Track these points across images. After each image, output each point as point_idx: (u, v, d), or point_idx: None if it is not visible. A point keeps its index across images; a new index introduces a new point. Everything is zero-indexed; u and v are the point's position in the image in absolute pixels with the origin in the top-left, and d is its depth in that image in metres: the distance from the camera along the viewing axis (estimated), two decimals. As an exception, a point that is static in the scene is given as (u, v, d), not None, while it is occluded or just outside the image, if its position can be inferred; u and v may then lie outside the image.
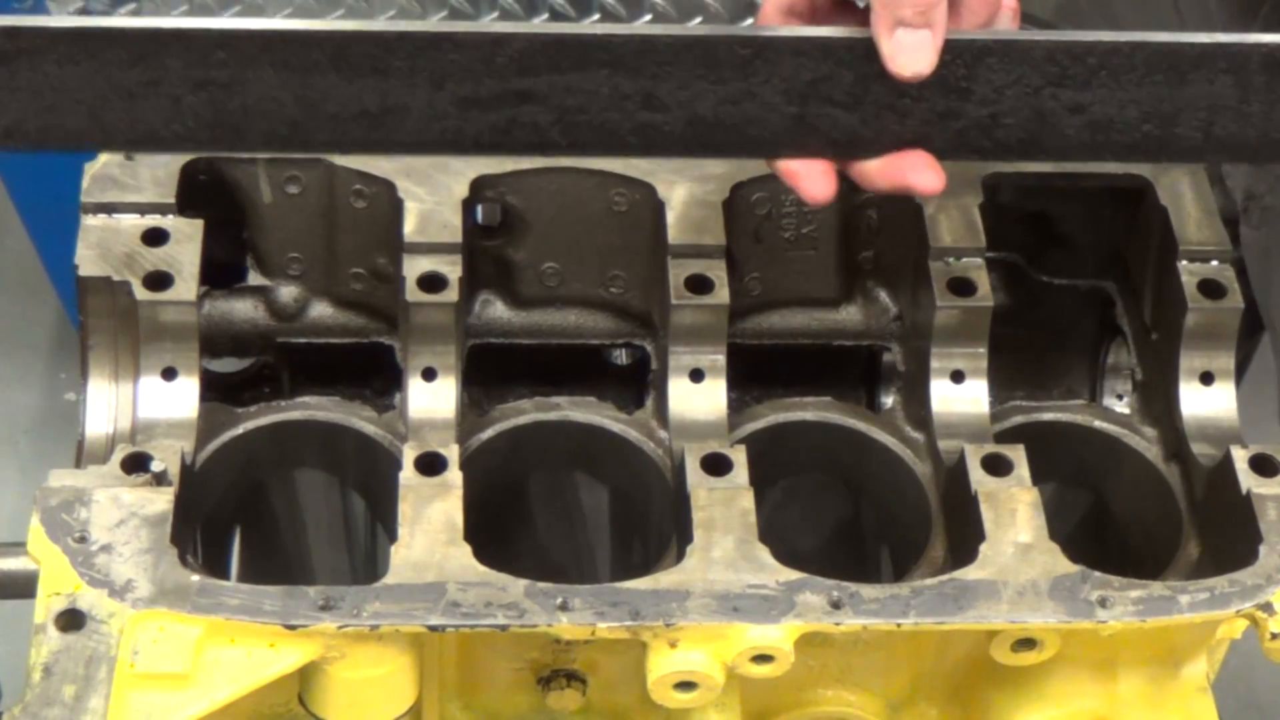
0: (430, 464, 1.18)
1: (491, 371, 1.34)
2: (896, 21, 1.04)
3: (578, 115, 1.07)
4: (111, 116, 1.05)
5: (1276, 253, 1.29)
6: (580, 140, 1.07)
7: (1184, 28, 1.66)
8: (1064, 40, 1.06)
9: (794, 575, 1.13)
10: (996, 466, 1.21)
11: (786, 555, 1.15)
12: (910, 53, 1.04)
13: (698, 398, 1.27)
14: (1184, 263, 1.29)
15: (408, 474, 1.18)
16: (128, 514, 1.13)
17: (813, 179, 1.09)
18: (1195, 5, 1.64)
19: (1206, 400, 1.28)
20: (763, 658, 1.11)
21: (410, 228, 1.27)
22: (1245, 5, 1.58)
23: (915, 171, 1.07)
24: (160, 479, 1.16)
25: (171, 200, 1.26)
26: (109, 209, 1.26)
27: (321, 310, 1.36)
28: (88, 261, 1.24)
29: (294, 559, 1.44)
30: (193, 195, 1.28)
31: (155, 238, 1.25)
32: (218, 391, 1.31)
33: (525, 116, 1.06)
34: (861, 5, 1.07)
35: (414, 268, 1.25)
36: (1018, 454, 1.21)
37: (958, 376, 1.29)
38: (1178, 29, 1.65)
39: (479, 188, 1.30)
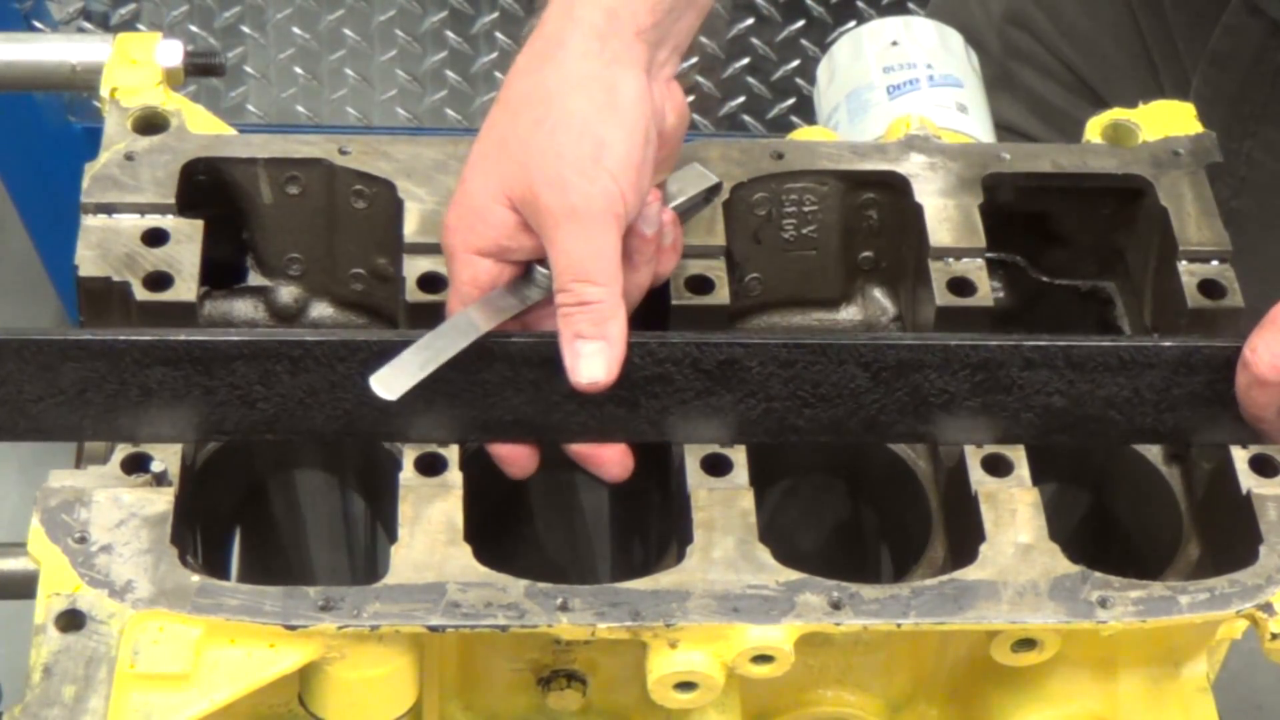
0: (430, 464, 1.18)
1: (491, 372, 1.34)
2: (575, 335, 1.13)
3: None
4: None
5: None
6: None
7: (1139, 32, 1.65)
8: (716, 341, 1.19)
9: (794, 575, 1.13)
10: (996, 466, 1.21)
11: (787, 555, 1.15)
12: (589, 362, 1.13)
13: (698, 398, 1.27)
14: (1184, 263, 1.29)
15: (408, 474, 1.18)
16: (128, 514, 1.13)
17: (518, 461, 1.22)
18: (1150, 9, 1.64)
19: (1206, 400, 1.28)
20: (763, 658, 1.11)
21: (410, 228, 1.27)
22: (1202, 7, 1.57)
23: (606, 466, 1.21)
24: (160, 479, 1.16)
25: (171, 200, 1.26)
26: (109, 209, 1.26)
27: (321, 311, 1.36)
28: (88, 261, 1.23)
29: (294, 559, 1.44)
30: (193, 195, 1.28)
31: (155, 238, 1.25)
32: (218, 392, 1.31)
33: None
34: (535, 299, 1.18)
35: (414, 268, 1.25)
36: (1018, 454, 1.21)
37: (958, 377, 1.28)
38: (1132, 32, 1.65)
39: (479, 188, 1.30)
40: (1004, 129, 1.69)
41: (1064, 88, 1.71)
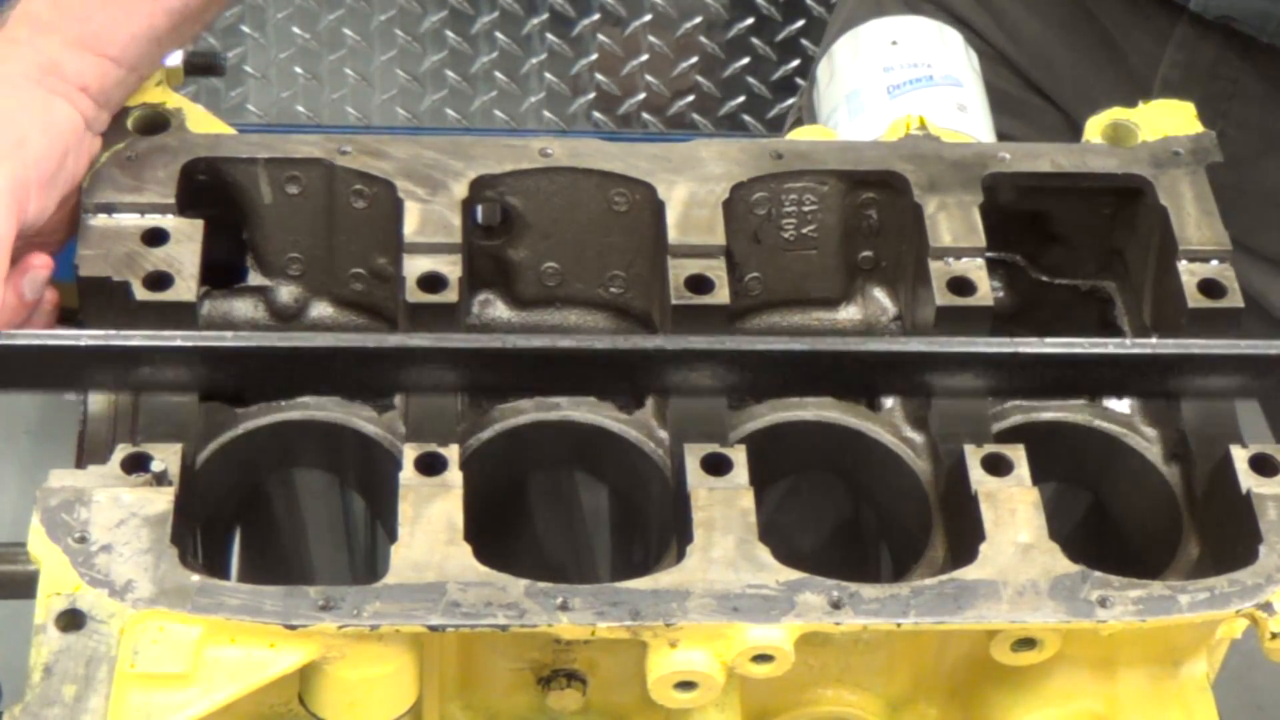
0: (430, 464, 1.18)
1: (491, 371, 1.34)
2: None
3: None
4: None
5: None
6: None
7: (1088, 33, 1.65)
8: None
9: (794, 575, 1.13)
10: (996, 466, 1.21)
11: (786, 555, 1.15)
12: None
13: (698, 397, 1.27)
14: (1184, 262, 1.29)
15: (408, 474, 1.18)
16: (128, 514, 1.13)
17: None
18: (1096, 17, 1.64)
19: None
20: (763, 658, 1.11)
21: (410, 228, 1.27)
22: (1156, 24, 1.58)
23: None
24: (160, 479, 1.16)
25: (171, 200, 1.26)
26: (109, 209, 1.26)
27: (321, 310, 1.36)
28: (88, 261, 1.24)
29: (294, 559, 1.44)
30: (193, 195, 1.28)
31: (155, 238, 1.25)
32: (218, 391, 1.31)
33: None
34: None
35: (414, 268, 1.25)
36: (1018, 454, 1.21)
37: (958, 376, 1.28)
38: (1106, 63, 1.65)
39: (479, 188, 1.30)
40: None
41: (1016, 74, 1.71)
